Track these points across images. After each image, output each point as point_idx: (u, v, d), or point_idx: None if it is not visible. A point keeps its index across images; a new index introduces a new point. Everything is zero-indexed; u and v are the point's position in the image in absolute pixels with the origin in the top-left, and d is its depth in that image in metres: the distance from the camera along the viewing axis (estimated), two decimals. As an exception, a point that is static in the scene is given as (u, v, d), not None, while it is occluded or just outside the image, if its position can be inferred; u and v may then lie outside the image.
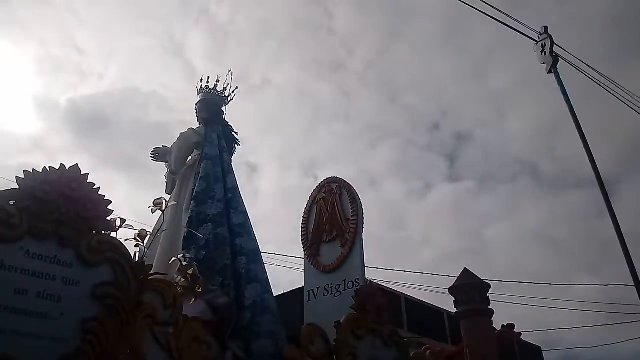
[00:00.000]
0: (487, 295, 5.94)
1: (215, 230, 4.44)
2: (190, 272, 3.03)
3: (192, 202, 4.67)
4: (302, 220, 6.02)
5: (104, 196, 2.78)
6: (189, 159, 5.36)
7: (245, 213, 4.86)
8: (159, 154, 5.52)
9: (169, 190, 5.38)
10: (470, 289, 5.90)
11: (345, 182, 5.87)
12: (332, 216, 5.72)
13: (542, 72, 8.42)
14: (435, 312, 12.21)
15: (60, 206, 2.60)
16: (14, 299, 2.33)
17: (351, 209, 5.60)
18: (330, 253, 5.58)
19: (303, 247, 5.89)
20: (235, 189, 4.99)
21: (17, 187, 2.50)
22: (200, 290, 3.13)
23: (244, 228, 4.71)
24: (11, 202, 2.46)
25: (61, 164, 2.67)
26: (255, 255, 4.63)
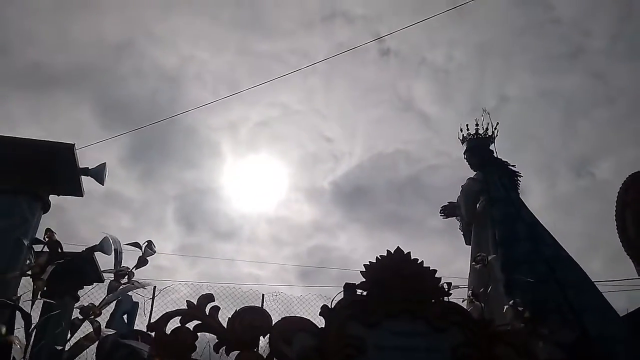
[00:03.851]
0: None
1: (533, 270, 4.34)
2: (526, 316, 3.01)
3: (498, 248, 4.69)
4: (617, 229, 5.35)
5: (429, 267, 3.07)
6: (477, 206, 5.46)
7: (554, 244, 4.63)
8: (447, 211, 5.80)
9: (467, 241, 5.51)
10: None
11: (655, 173, 5.07)
12: (655, 216, 4.95)
13: None
14: None
15: (401, 285, 2.97)
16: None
17: (675, 201, 4.77)
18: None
19: (631, 258, 5.19)
20: (535, 223, 4.85)
21: (364, 279, 2.98)
22: (543, 333, 3.06)
23: (560, 259, 4.49)
24: (363, 293, 2.94)
25: (387, 250, 3.09)
26: (583, 283, 4.32)
